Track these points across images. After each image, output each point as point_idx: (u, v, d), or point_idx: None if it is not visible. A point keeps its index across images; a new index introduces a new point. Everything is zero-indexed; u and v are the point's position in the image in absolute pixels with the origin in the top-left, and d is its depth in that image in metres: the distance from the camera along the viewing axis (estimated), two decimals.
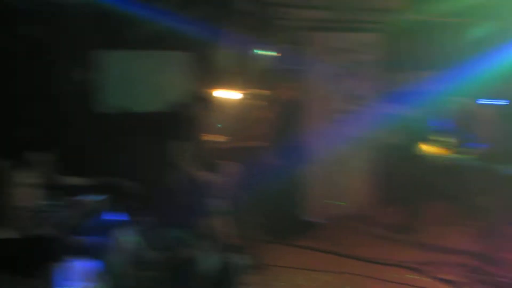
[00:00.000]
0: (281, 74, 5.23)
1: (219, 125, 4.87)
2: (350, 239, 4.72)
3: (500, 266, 3.86)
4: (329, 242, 4.59)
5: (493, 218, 4.15)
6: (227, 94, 5.08)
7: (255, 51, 5.26)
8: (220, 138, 4.74)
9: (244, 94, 5.14)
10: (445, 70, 4.93)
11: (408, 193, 4.77)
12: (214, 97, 4.67)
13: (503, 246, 4.11)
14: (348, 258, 4.20)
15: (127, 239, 3.05)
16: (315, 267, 4.00)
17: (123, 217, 3.24)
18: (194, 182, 3.63)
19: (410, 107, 5.60)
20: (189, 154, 3.65)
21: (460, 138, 4.23)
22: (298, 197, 4.87)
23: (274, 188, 4.63)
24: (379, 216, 5.40)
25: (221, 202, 3.69)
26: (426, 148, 4.38)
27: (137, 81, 4.90)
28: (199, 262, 3.16)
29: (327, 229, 4.98)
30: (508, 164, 3.94)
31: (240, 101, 5.05)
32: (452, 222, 5.16)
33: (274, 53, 5.27)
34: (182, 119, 3.73)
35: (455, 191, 4.62)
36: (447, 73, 4.88)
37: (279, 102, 4.79)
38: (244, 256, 3.43)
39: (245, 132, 4.95)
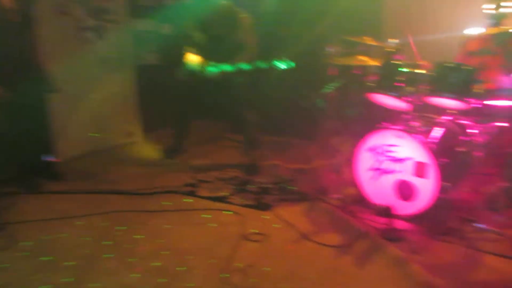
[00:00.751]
0: None
1: None
2: (114, 173, 4.11)
3: (262, 173, 4.04)
4: (90, 181, 3.91)
5: (255, 131, 4.23)
6: None
7: None
8: None
9: None
10: None
11: (175, 114, 4.42)
12: None
13: (264, 155, 4.32)
14: (113, 195, 3.62)
15: None
16: (75, 213, 3.28)
17: None
18: None
19: (164, 23, 5.18)
20: None
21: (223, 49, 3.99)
22: (43, 135, 3.91)
23: (8, 128, 3.58)
24: (148, 142, 4.99)
25: None
26: (188, 64, 4.01)
27: None
28: None
29: (86, 167, 4.25)
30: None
31: None
32: (220, 139, 5.20)
33: None
34: None
35: (221, 106, 4.52)
36: None
37: None
38: None
39: None
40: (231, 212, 3.32)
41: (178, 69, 4.04)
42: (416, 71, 3.26)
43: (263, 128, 4.61)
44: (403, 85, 3.23)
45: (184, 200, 3.55)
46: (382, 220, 3.02)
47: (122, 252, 2.76)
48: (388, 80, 3.30)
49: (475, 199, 3.27)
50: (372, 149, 3.27)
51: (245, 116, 4.15)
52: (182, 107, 4.33)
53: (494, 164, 3.60)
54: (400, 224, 3.02)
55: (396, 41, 3.44)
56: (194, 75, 3.98)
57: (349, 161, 3.46)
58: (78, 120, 4.43)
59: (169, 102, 4.32)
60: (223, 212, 3.33)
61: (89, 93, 4.50)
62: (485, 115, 3.15)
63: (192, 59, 3.97)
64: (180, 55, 4.00)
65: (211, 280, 2.46)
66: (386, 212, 2.97)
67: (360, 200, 3.38)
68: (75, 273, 2.54)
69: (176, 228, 3.09)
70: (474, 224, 2.93)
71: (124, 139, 4.95)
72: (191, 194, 3.65)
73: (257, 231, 3.01)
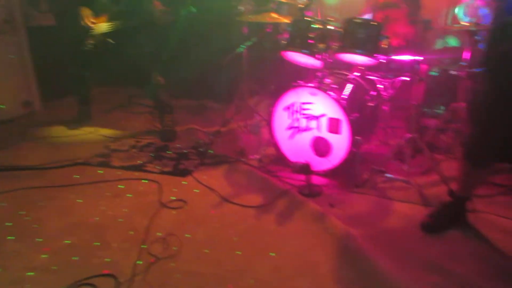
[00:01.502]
0: None
1: None
2: (13, 148, 3.71)
3: (178, 138, 3.93)
4: None
5: (164, 94, 4.04)
6: None
7: None
8: None
9: None
10: None
11: (75, 79, 4.05)
12: None
13: (179, 120, 4.17)
14: (14, 172, 3.27)
15: None
16: None
17: None
18: None
19: None
20: None
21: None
22: None
23: None
24: (49, 112, 4.58)
25: None
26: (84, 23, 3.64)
27: None
28: None
29: None
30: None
31: None
32: (130, 105, 4.91)
33: None
34: None
35: (124, 69, 4.23)
36: None
37: None
38: None
39: None
40: (148, 181, 3.18)
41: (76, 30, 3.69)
42: (326, 27, 3.27)
43: (176, 91, 4.43)
44: (314, 42, 3.24)
45: (96, 171, 3.32)
46: (300, 177, 3.08)
47: (27, 233, 2.52)
48: (300, 37, 3.28)
49: (384, 151, 3.46)
50: (288, 108, 3.28)
51: (151, 79, 3.93)
52: (81, 70, 3.97)
53: (400, 117, 3.82)
54: (317, 180, 3.11)
55: None
56: (90, 35, 3.66)
57: (266, 121, 3.45)
58: None
59: (69, 66, 3.95)
60: (140, 181, 3.18)
61: None
62: (391, 70, 3.28)
63: (87, 16, 3.64)
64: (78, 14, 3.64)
65: (130, 253, 2.34)
66: (304, 169, 3.02)
67: (278, 159, 3.41)
68: None
69: (89, 201, 2.89)
70: (384, 175, 3.10)
71: (21, 109, 4.49)
72: (104, 164, 3.43)
73: (176, 198, 2.92)
